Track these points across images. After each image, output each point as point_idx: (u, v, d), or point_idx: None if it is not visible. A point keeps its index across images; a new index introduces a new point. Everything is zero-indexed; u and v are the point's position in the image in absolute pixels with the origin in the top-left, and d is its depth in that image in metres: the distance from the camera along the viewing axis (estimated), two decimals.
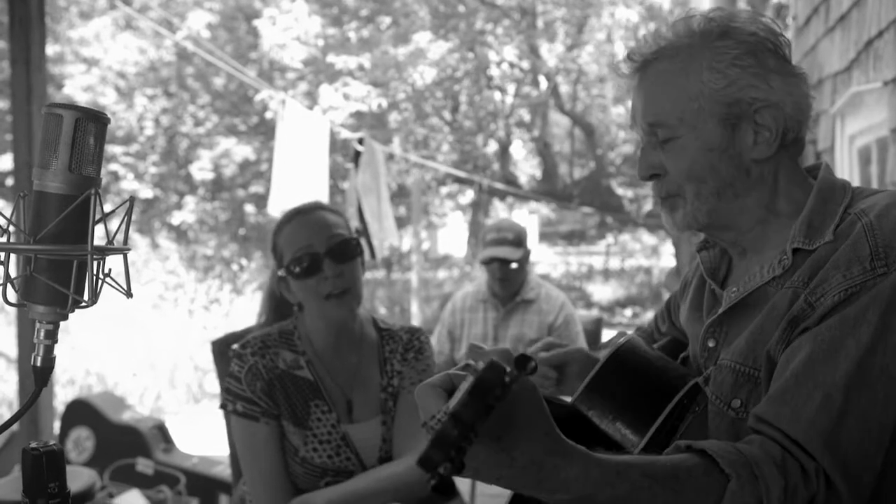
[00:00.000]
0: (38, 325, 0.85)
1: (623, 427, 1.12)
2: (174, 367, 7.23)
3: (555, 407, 0.85)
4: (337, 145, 8.59)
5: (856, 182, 3.80)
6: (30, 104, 3.41)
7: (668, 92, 1.12)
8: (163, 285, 9.56)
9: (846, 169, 3.92)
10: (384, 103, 12.30)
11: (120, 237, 0.87)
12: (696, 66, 1.10)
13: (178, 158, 13.45)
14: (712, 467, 0.91)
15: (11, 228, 0.83)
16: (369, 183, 5.79)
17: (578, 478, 0.84)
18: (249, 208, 13.66)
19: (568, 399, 1.21)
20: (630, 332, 1.38)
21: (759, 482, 0.90)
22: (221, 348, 2.21)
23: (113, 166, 12.62)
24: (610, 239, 18.27)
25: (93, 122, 0.83)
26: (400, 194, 12.82)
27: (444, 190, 15.31)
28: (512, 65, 14.45)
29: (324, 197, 5.40)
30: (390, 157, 10.14)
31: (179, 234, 13.38)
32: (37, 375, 0.86)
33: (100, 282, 0.85)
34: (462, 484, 2.55)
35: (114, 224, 0.88)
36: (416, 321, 9.58)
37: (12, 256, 0.83)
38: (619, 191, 14.93)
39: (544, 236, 22.49)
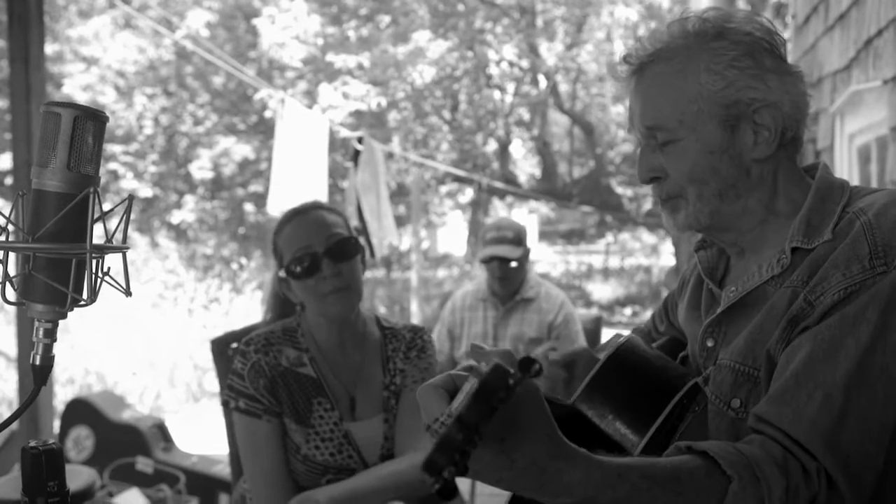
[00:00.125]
0: (36, 323, 0.84)
1: (623, 427, 1.12)
2: (174, 366, 7.23)
3: (555, 407, 0.85)
4: (336, 144, 8.59)
5: (855, 181, 3.80)
6: (29, 103, 3.40)
7: (666, 94, 1.12)
8: (162, 284, 9.55)
9: (846, 167, 3.92)
10: (383, 102, 12.30)
11: (119, 236, 0.87)
12: (693, 67, 1.10)
13: (178, 157, 13.44)
14: (714, 469, 0.91)
15: (10, 227, 0.83)
16: (368, 182, 5.78)
17: (580, 481, 0.84)
18: (249, 207, 13.65)
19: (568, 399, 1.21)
20: (629, 331, 1.38)
21: (761, 483, 0.90)
22: (221, 347, 2.21)
23: (112, 165, 12.61)
24: (609, 238, 18.27)
25: (91, 121, 0.83)
26: (399, 193, 12.81)
27: (443, 189, 15.30)
28: (511, 64, 14.44)
29: (323, 196, 5.39)
30: (390, 155, 10.13)
31: (179, 233, 13.37)
32: (36, 374, 0.86)
33: (99, 280, 0.85)
34: (462, 483, 2.55)
35: (113, 223, 0.88)
36: (415, 320, 9.57)
37: (11, 255, 0.83)
38: (619, 190, 14.92)
39: (544, 235, 22.49)
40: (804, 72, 1.15)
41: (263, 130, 12.36)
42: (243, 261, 12.05)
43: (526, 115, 15.26)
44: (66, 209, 0.82)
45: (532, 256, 3.56)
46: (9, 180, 10.61)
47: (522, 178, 16.28)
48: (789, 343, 1.02)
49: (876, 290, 0.98)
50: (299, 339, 1.81)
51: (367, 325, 1.87)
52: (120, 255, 0.87)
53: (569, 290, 12.96)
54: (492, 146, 15.20)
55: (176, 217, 13.10)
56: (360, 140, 5.86)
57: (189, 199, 13.28)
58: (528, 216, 19.02)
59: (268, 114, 11.82)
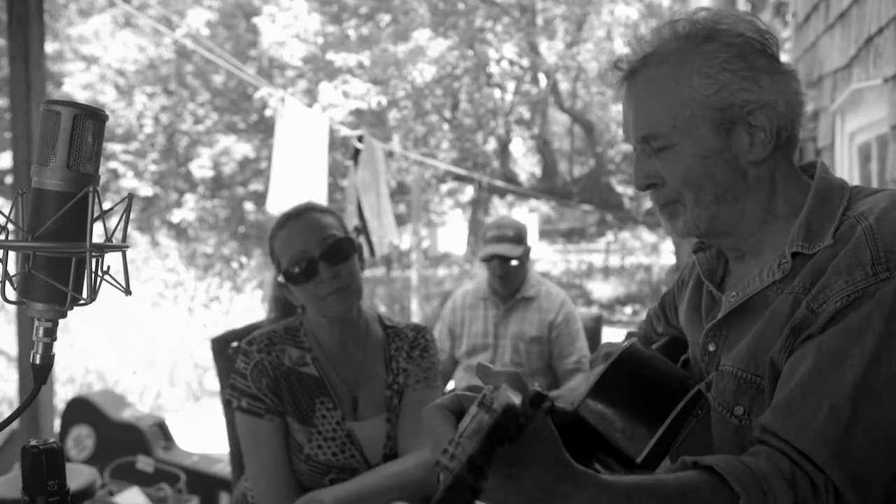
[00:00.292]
0: (36, 322, 0.84)
1: (626, 434, 1.12)
2: (174, 365, 7.24)
3: (557, 415, 0.85)
4: (336, 143, 8.58)
5: (856, 179, 3.80)
6: (28, 102, 3.40)
7: (659, 99, 1.11)
8: (163, 283, 9.56)
9: (846, 166, 3.91)
10: (384, 101, 12.29)
11: (119, 235, 0.87)
12: (685, 71, 1.09)
13: (178, 156, 13.44)
14: (720, 485, 0.91)
15: (10, 226, 0.83)
16: (369, 180, 5.78)
17: (588, 503, 0.84)
18: (249, 206, 13.65)
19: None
20: (630, 329, 1.37)
21: (768, 497, 0.90)
22: (221, 346, 2.21)
23: (112, 164, 12.61)
24: (610, 236, 18.27)
25: (91, 119, 0.83)
26: (399, 192, 12.81)
27: (443, 188, 15.30)
28: (511, 62, 14.43)
29: (323, 195, 5.39)
30: (390, 154, 10.13)
31: (179, 231, 13.38)
32: (36, 373, 0.85)
33: (98, 279, 0.85)
34: None
35: (113, 221, 0.88)
36: (416, 319, 9.57)
37: (11, 254, 0.83)
38: (619, 188, 14.90)
39: (544, 234, 22.50)
40: (804, 70, 1.14)
41: (263, 129, 12.36)
42: (243, 259, 12.05)
43: (526, 114, 15.25)
44: (65, 208, 0.81)
45: (532, 255, 3.55)
46: (9, 179, 10.61)
47: (523, 177, 16.27)
48: (793, 352, 1.01)
49: (879, 297, 0.96)
50: (302, 338, 1.81)
51: (369, 324, 1.87)
52: (120, 253, 0.86)
53: (569, 289, 12.96)
54: (492, 145, 15.19)
55: (176, 216, 13.10)
56: (360, 139, 5.85)
57: (189, 198, 13.29)
58: (528, 215, 19.03)
59: (268, 112, 11.82)
